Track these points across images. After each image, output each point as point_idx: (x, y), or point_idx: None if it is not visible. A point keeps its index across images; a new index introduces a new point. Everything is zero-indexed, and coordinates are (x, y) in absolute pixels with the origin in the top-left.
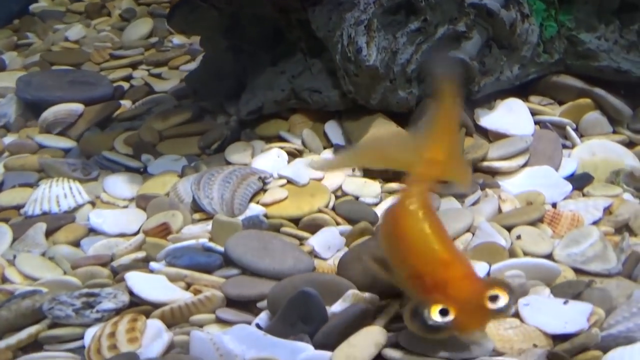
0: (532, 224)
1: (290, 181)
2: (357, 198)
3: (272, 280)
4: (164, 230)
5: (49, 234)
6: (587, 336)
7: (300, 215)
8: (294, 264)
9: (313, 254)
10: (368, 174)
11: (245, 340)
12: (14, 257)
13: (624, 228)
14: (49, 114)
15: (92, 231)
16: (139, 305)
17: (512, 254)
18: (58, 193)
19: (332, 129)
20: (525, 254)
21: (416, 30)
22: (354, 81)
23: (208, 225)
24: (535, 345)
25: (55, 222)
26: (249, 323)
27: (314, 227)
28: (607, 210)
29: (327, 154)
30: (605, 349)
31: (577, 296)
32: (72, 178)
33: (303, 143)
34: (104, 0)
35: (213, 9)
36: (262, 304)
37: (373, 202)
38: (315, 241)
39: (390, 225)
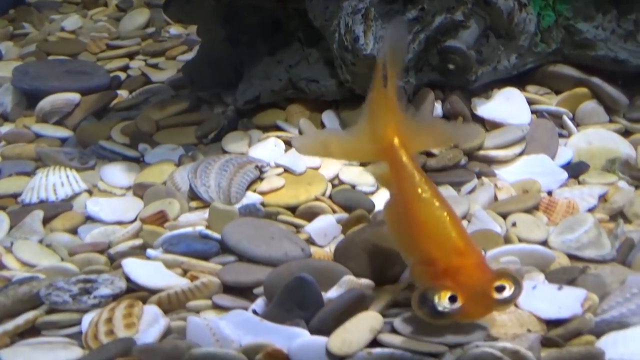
0: (528, 211)
1: (287, 170)
2: (353, 187)
3: (268, 266)
4: (160, 218)
5: (46, 221)
6: (580, 321)
7: (297, 204)
8: (290, 251)
9: (309, 241)
10: (364, 163)
11: (241, 325)
12: (11, 244)
13: (618, 215)
14: (46, 103)
15: (89, 219)
16: (135, 292)
17: (507, 240)
18: (55, 181)
19: (330, 119)
20: (521, 240)
21: (413, 19)
22: (351, 70)
23: (205, 213)
24: (529, 330)
25: (52, 210)
26: (246, 309)
27: (310, 215)
28: (602, 198)
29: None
30: (598, 334)
31: (572, 282)
32: (69, 167)
33: (300, 132)
34: None
35: None
36: (259, 290)
37: (369, 190)
38: (312, 229)
39: (402, 209)
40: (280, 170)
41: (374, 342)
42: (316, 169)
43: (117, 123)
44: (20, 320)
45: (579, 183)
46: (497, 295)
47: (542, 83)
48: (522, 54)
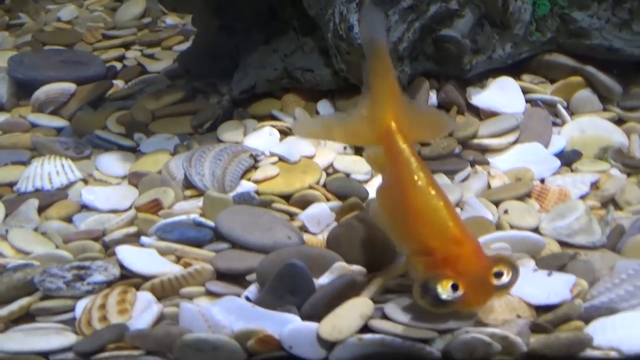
0: (520, 199)
1: (281, 159)
2: (347, 175)
3: (261, 254)
4: (155, 206)
5: (41, 210)
6: (570, 307)
7: (291, 192)
8: (283, 239)
9: (303, 229)
10: (359, 151)
11: (233, 311)
12: (7, 231)
13: (609, 202)
14: (41, 93)
15: (84, 207)
16: (129, 278)
17: (499, 227)
18: (50, 170)
19: (325, 108)
20: (512, 227)
21: (408, 8)
22: (345, 59)
23: (199, 202)
24: (518, 316)
25: (48, 199)
26: (238, 295)
27: (304, 203)
28: (594, 185)
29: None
30: (587, 320)
31: (562, 268)
32: (64, 156)
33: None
34: None
35: None
36: (251, 277)
37: (363, 179)
38: (305, 216)
39: (397, 196)
40: (275, 159)
41: (365, 328)
42: (311, 157)
43: (113, 113)
44: (15, 306)
45: (572, 171)
46: (496, 282)
47: (537, 72)
48: (517, 43)
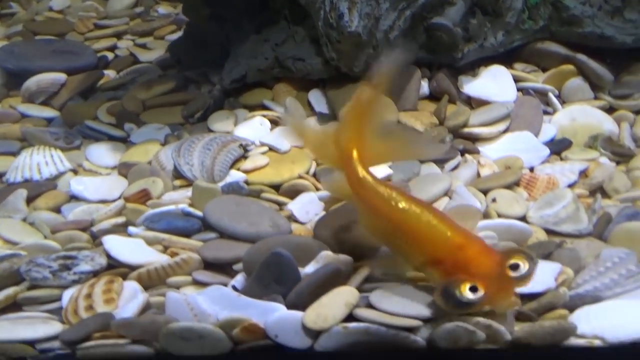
0: (508, 187)
1: (272, 148)
2: None
3: (248, 243)
4: (143, 197)
5: (29, 200)
6: (554, 295)
7: (280, 182)
8: (271, 228)
9: (292, 218)
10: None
11: (219, 300)
12: None
13: (598, 190)
14: (32, 83)
15: (73, 198)
16: (116, 268)
17: (486, 216)
18: (39, 161)
19: (316, 98)
20: (500, 216)
21: None
22: (336, 48)
23: (188, 192)
24: None
25: (36, 189)
26: (225, 285)
27: (294, 192)
28: (583, 174)
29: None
30: (572, 308)
31: (548, 256)
32: (54, 147)
33: (286, 111)
34: None
35: None
36: (239, 266)
37: None
38: (294, 206)
39: (384, 223)
40: (265, 149)
41: (350, 317)
42: (301, 147)
43: (104, 103)
44: (1, 296)
45: (561, 159)
46: (513, 274)
47: (530, 60)
48: (509, 31)
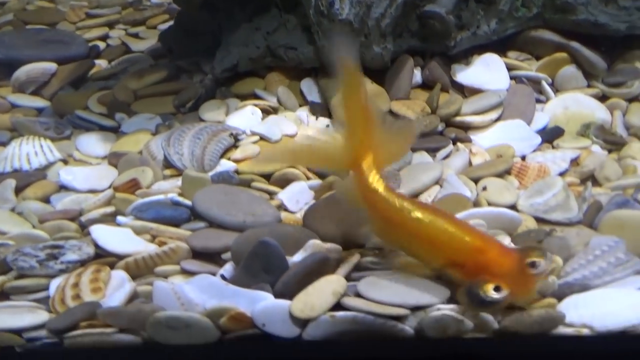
0: (499, 175)
1: (263, 138)
2: None
3: (237, 232)
4: (133, 186)
5: (18, 190)
6: (543, 284)
7: (271, 171)
8: (260, 217)
9: (282, 207)
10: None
11: (206, 289)
12: None
13: (589, 178)
14: (22, 73)
15: (62, 188)
16: (104, 257)
17: (477, 204)
18: (28, 151)
19: (308, 87)
20: (490, 204)
21: None
22: (327, 36)
23: (178, 181)
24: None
25: (25, 179)
26: (214, 274)
27: (284, 182)
28: (575, 162)
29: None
30: (561, 297)
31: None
32: (44, 137)
33: (278, 101)
34: None
35: None
36: (227, 255)
37: None
38: (285, 195)
39: (400, 234)
40: (256, 138)
41: (338, 306)
42: (292, 136)
43: (95, 93)
44: None
45: (553, 147)
46: (533, 270)
47: (523, 49)
48: (503, 18)
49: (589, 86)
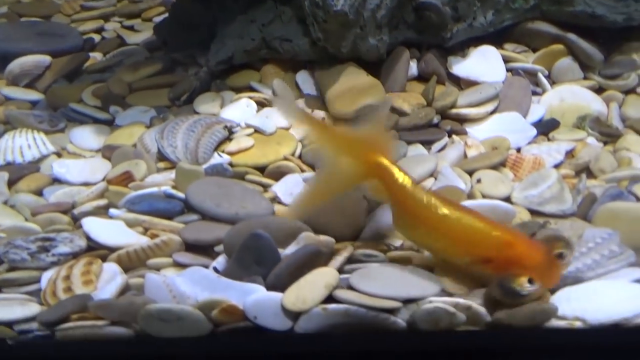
0: (494, 168)
1: (257, 130)
2: None
3: (229, 225)
4: (126, 179)
5: (11, 183)
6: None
7: (265, 163)
8: (253, 209)
9: (276, 200)
10: (335, 123)
11: (198, 282)
12: None
13: (584, 171)
14: (15, 66)
15: (55, 181)
16: (96, 250)
17: (471, 197)
18: (22, 144)
19: (304, 79)
20: (484, 196)
21: None
22: (323, 28)
23: (172, 174)
24: (484, 286)
25: (18, 172)
26: (206, 267)
27: (279, 174)
28: (570, 154)
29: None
30: (553, 290)
31: (531, 237)
32: (37, 129)
33: (274, 93)
34: None
35: None
36: (220, 248)
37: None
38: (279, 188)
39: (427, 230)
40: (251, 130)
41: (330, 298)
42: (287, 129)
43: (89, 85)
44: None
45: (549, 140)
46: (559, 261)
47: (520, 40)
48: (499, 10)
49: (585, 78)
